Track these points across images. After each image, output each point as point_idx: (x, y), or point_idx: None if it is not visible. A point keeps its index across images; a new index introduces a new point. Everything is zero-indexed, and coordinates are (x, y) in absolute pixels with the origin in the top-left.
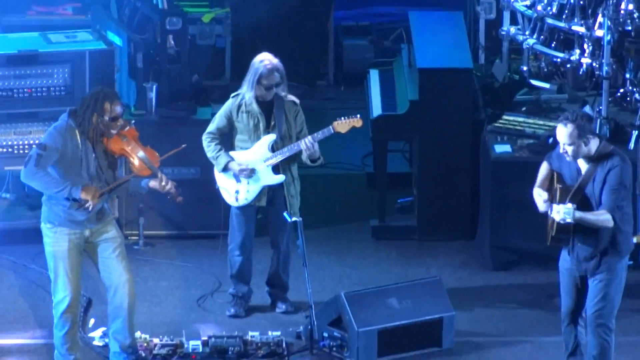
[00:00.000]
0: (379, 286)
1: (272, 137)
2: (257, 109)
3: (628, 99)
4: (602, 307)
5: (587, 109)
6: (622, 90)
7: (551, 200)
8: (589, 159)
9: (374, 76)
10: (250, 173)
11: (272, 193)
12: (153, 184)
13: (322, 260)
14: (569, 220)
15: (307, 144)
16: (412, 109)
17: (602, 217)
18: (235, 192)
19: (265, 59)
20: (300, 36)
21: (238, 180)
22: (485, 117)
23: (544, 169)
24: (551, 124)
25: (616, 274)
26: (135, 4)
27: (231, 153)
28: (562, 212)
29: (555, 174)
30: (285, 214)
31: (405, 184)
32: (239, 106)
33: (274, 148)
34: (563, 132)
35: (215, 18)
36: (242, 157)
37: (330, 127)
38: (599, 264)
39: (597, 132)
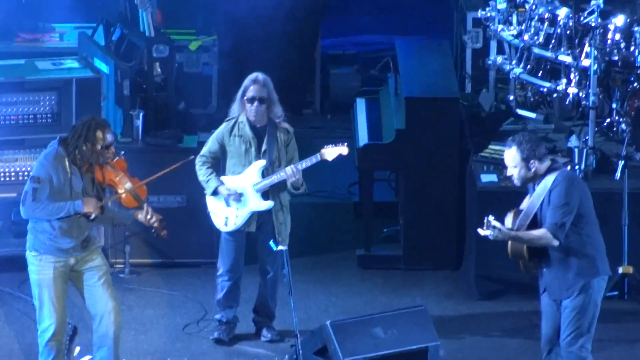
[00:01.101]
0: (365, 315)
1: (262, 162)
2: (249, 133)
3: (614, 128)
4: (570, 334)
5: (574, 139)
6: (608, 120)
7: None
8: (540, 180)
9: (360, 105)
10: (239, 197)
11: (261, 219)
12: (139, 216)
13: (307, 288)
14: (492, 236)
15: (292, 171)
16: (398, 138)
17: (539, 235)
18: (225, 217)
19: (251, 74)
20: (287, 64)
21: (228, 205)
22: (471, 146)
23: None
24: None
25: (584, 300)
26: (122, 32)
27: (222, 177)
28: (490, 233)
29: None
30: (271, 242)
31: (391, 214)
32: (232, 130)
33: (264, 174)
34: (507, 155)
35: (202, 46)
36: (232, 182)
37: (318, 154)
38: (567, 288)
39: (584, 161)
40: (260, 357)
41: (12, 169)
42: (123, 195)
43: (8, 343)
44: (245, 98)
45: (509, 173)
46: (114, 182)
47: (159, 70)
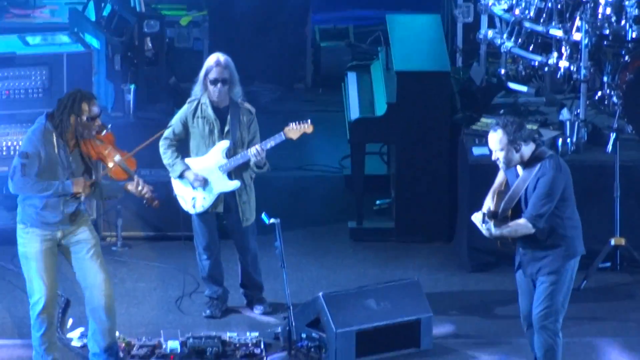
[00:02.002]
0: (357, 287)
1: (226, 143)
2: (212, 115)
3: (606, 101)
4: (544, 309)
5: (565, 112)
6: (599, 93)
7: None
8: (524, 164)
9: (351, 79)
10: (205, 182)
11: (228, 199)
12: (130, 188)
13: (300, 261)
14: (488, 235)
15: (256, 151)
16: (389, 112)
17: (519, 226)
18: (192, 199)
19: (212, 55)
20: (278, 39)
21: (194, 188)
22: (463, 120)
23: (500, 175)
24: (528, 127)
25: (560, 277)
26: (113, 7)
27: (187, 160)
28: (484, 228)
29: (505, 181)
30: (263, 215)
31: (383, 187)
32: (195, 111)
33: (228, 154)
34: (493, 138)
35: (193, 21)
36: (197, 163)
37: (282, 133)
38: (543, 266)
39: (575, 134)
40: (253, 329)
41: (4, 144)
42: (112, 168)
43: (1, 317)
44: (208, 80)
45: (494, 157)
46: (103, 156)
47: (149, 45)
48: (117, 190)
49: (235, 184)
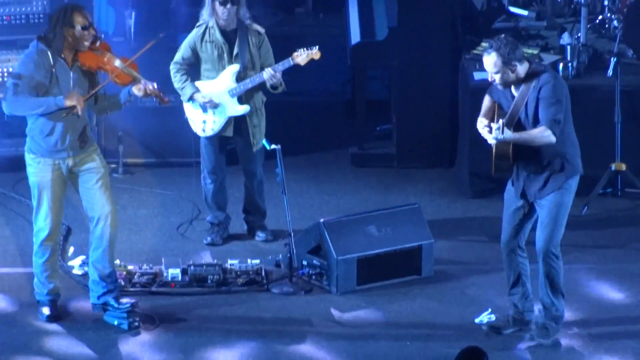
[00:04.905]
0: (358, 214)
1: (235, 67)
2: (220, 38)
3: (606, 25)
4: (549, 232)
5: (566, 36)
6: (600, 17)
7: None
8: (521, 82)
9: (352, 3)
10: (215, 104)
11: (238, 123)
12: (136, 91)
13: (301, 187)
14: (500, 136)
15: (270, 74)
16: (390, 36)
17: (539, 132)
18: (202, 122)
19: None
20: None
21: (205, 111)
22: (464, 44)
23: (486, 100)
24: (529, 51)
25: (563, 198)
26: None
27: (197, 83)
28: (493, 130)
29: (496, 105)
30: (264, 141)
31: (384, 111)
32: (203, 36)
33: (238, 78)
34: (488, 61)
35: None
36: (207, 87)
37: (290, 58)
38: (544, 186)
39: (576, 58)
40: (254, 256)
41: (5, 69)
42: (115, 74)
43: (3, 243)
44: (216, 1)
45: (490, 78)
46: (102, 63)
47: None
48: (116, 104)
49: (245, 108)
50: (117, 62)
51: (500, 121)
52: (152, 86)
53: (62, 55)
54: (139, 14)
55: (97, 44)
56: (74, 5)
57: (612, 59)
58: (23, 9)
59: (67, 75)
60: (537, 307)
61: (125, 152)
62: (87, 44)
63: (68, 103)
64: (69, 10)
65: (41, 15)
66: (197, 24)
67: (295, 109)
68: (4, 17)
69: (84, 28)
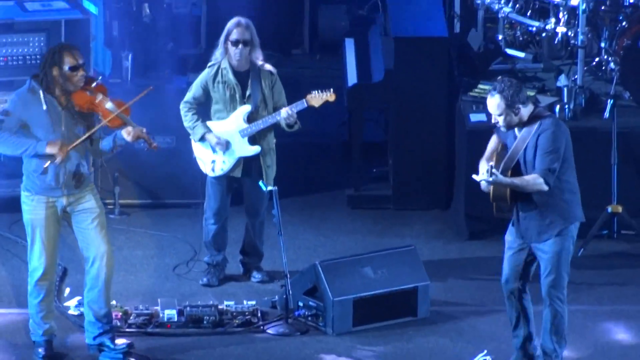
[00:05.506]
0: (354, 255)
1: (247, 108)
2: (233, 79)
3: (603, 67)
4: (552, 280)
5: (563, 78)
6: (597, 59)
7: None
8: (523, 125)
9: (349, 45)
10: (226, 146)
11: (247, 164)
12: (125, 134)
13: (297, 229)
14: (489, 179)
15: (287, 114)
16: (387, 78)
17: (532, 180)
18: (211, 162)
19: (234, 18)
20: (276, 4)
21: (214, 151)
22: (460, 86)
23: (492, 141)
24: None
25: (563, 243)
26: None
27: (208, 123)
28: (487, 178)
29: (501, 145)
30: (260, 182)
31: (381, 153)
32: (215, 76)
33: (249, 119)
34: (491, 103)
35: None
36: (218, 127)
37: (304, 100)
38: (542, 231)
39: (573, 100)
40: (250, 297)
41: (1, 110)
42: (106, 115)
43: None
44: (229, 41)
45: (494, 120)
46: (94, 105)
47: (147, 11)
48: (109, 145)
49: (255, 149)
50: (109, 105)
51: (490, 163)
52: (141, 131)
53: (55, 95)
54: (136, 55)
55: (93, 85)
56: (64, 45)
57: (608, 101)
58: (20, 49)
59: (58, 116)
60: (537, 353)
61: (122, 193)
62: (77, 84)
63: (48, 150)
64: (58, 49)
65: (38, 56)
66: (209, 64)
67: (291, 150)
68: (1, 58)
69: (72, 68)
